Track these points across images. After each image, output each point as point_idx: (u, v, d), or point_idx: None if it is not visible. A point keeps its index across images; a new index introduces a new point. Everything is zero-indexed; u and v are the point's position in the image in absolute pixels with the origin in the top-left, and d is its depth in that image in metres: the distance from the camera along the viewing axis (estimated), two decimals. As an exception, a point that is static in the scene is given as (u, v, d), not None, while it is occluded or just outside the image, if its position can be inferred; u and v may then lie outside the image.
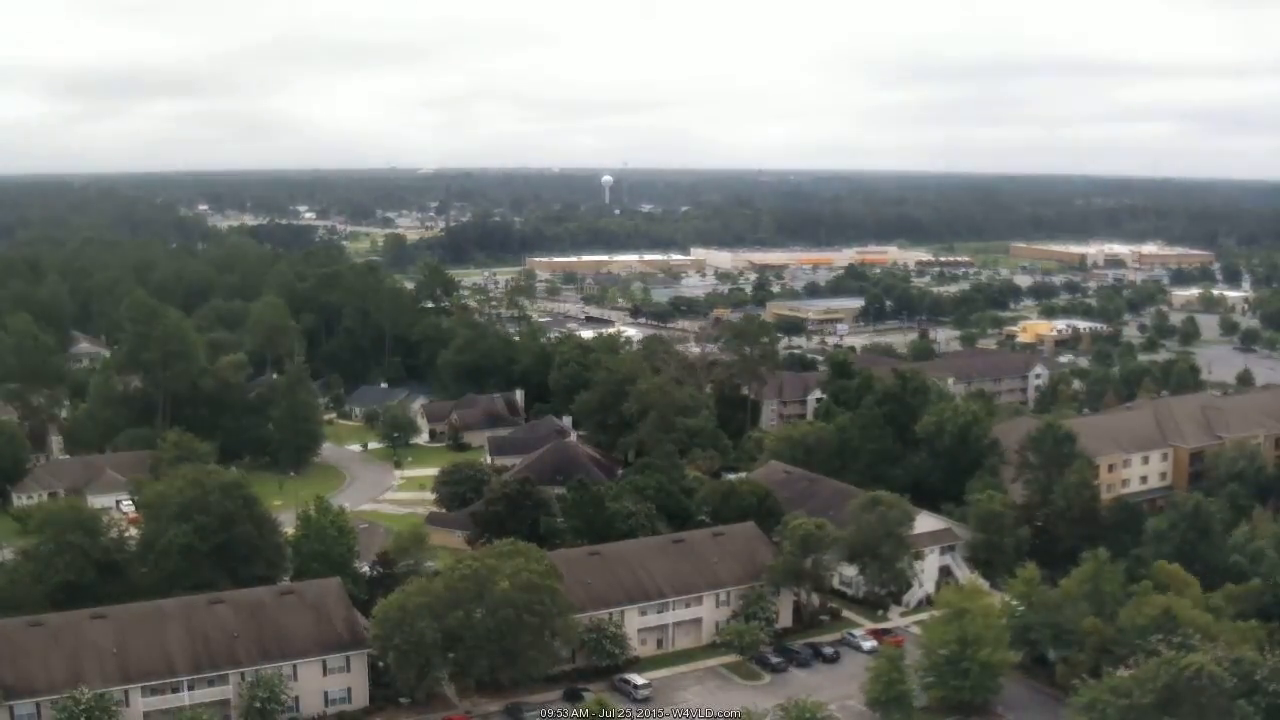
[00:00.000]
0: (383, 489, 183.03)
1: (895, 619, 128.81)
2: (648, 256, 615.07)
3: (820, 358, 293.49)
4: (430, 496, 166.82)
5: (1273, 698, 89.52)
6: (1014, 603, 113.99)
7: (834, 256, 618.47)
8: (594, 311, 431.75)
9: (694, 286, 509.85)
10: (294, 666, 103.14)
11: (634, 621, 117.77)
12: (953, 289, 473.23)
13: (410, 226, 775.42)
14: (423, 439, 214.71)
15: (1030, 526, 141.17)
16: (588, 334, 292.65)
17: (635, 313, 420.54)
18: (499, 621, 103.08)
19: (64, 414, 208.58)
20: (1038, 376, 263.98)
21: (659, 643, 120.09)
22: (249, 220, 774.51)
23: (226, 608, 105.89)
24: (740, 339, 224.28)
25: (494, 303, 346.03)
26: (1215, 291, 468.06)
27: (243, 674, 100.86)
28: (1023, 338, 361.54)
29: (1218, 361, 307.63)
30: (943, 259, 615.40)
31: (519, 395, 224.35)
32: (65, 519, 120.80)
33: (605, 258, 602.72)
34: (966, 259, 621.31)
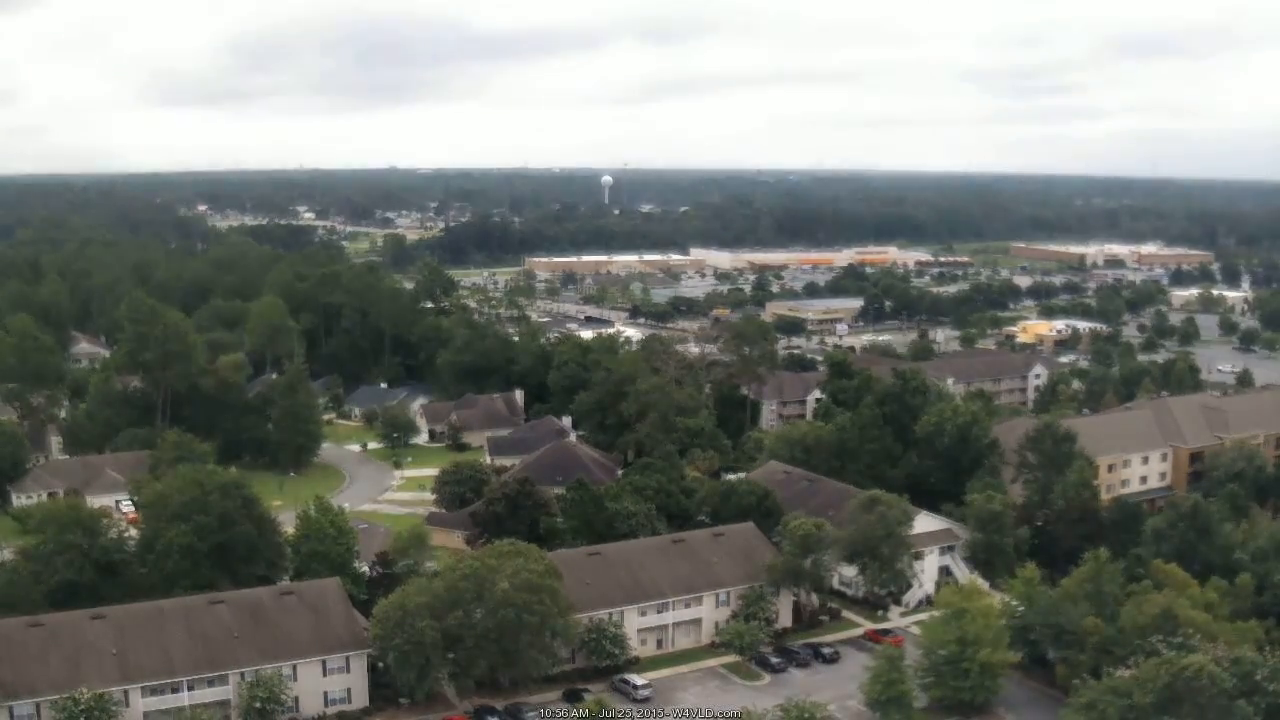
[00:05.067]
0: (382, 489, 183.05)
1: (895, 619, 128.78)
2: (647, 257, 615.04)
3: (820, 358, 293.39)
4: (430, 496, 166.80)
5: (1273, 698, 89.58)
6: (1014, 603, 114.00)
7: (833, 257, 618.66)
8: (593, 312, 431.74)
9: (693, 287, 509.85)
10: (294, 667, 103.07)
11: (634, 622, 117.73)
12: (952, 289, 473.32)
13: (410, 227, 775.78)
14: (422, 439, 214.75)
15: (1030, 526, 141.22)
16: (587, 334, 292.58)
17: (634, 313, 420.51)
18: (499, 622, 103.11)
19: (64, 414, 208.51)
20: (1037, 376, 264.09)
21: (659, 643, 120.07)
22: (249, 220, 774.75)
23: (226, 608, 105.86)
24: (740, 339, 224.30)
25: (493, 303, 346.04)
26: (1215, 291, 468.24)
27: (242, 674, 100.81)
28: (1022, 338, 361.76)
29: (1217, 361, 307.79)
30: (942, 259, 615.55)
31: (518, 395, 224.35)
32: (65, 519, 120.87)
33: (605, 258, 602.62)
34: (966, 259, 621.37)
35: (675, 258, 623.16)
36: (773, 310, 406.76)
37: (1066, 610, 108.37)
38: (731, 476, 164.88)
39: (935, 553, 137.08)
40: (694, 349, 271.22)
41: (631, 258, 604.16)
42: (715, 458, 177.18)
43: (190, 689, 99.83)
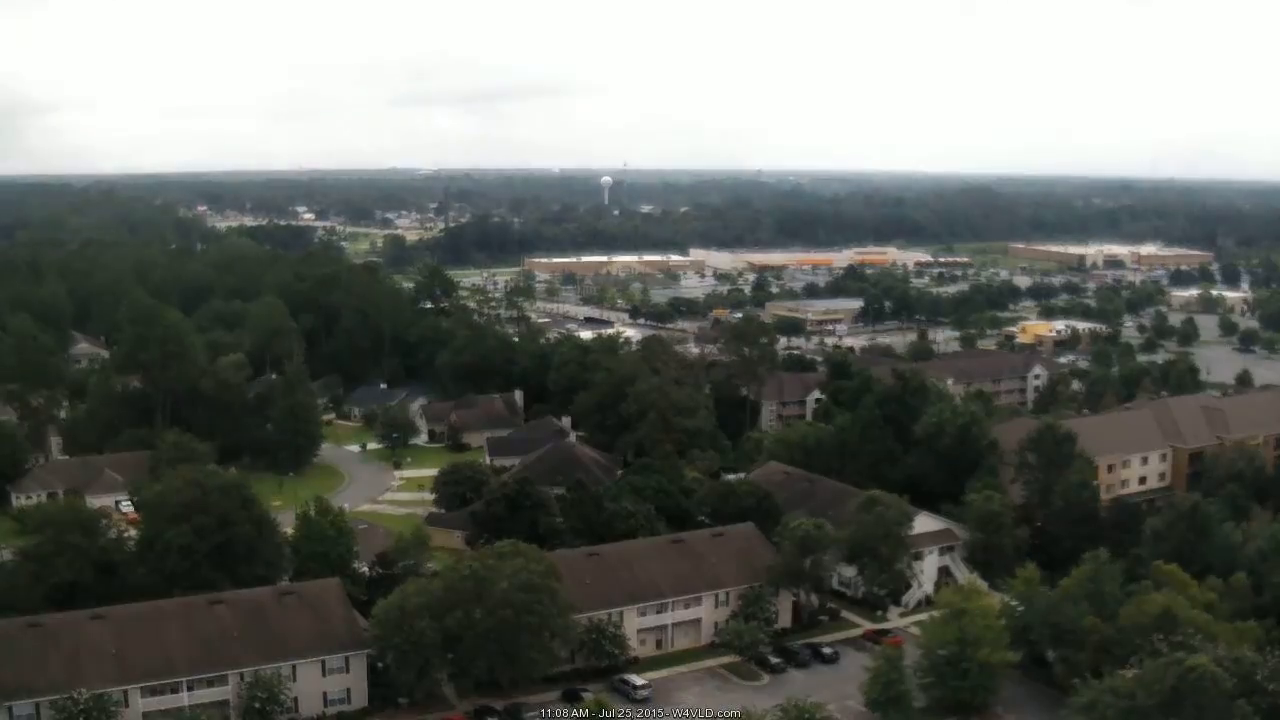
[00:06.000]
0: (382, 489, 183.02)
1: (894, 619, 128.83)
2: (647, 257, 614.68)
3: (819, 358, 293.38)
4: (430, 497, 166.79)
5: (1273, 698, 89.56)
6: (1013, 603, 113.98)
7: (833, 257, 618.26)
8: (593, 312, 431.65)
9: (693, 287, 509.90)
10: (293, 667, 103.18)
11: (633, 622, 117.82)
12: (952, 289, 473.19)
13: (409, 227, 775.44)
14: (422, 439, 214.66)
15: (1029, 527, 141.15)
16: (587, 335, 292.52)
17: (634, 313, 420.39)
18: (498, 622, 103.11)
19: (63, 414, 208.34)
20: (1037, 377, 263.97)
21: (658, 643, 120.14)
22: (248, 221, 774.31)
23: (226, 608, 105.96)
24: (739, 340, 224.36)
25: (493, 303, 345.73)
26: (1214, 292, 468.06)
27: (242, 674, 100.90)
28: (1022, 338, 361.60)
29: (1217, 362, 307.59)
30: (942, 259, 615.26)
31: (518, 396, 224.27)
32: (64, 519, 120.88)
33: (604, 258, 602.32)
34: (965, 259, 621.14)
35: (675, 258, 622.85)
36: (772, 311, 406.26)
37: (1066, 610, 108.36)
38: (731, 477, 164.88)
39: (935, 553, 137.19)
40: (694, 349, 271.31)
41: (631, 258, 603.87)
42: (715, 458, 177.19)
43: (190, 689, 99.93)
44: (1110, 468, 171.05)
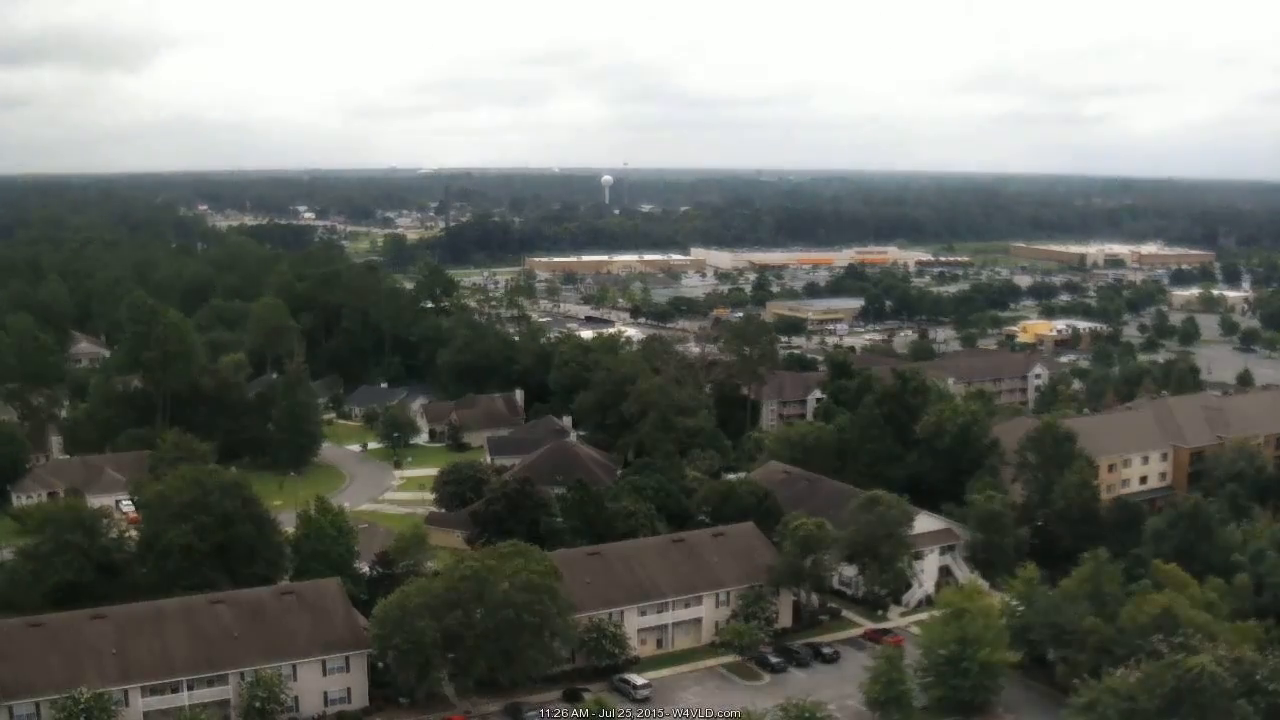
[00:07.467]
0: (382, 489, 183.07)
1: (895, 619, 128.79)
2: (647, 256, 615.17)
3: (820, 358, 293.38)
4: (430, 496, 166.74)
5: (1273, 698, 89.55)
6: (1014, 603, 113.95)
7: (833, 256, 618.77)
8: (593, 312, 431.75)
9: (694, 286, 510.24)
10: (293, 667, 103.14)
11: (634, 621, 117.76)
12: (952, 289, 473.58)
13: (410, 226, 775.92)
14: (422, 439, 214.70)
15: (1030, 526, 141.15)
16: (587, 334, 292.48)
17: (635, 313, 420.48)
18: (498, 622, 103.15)
19: (64, 414, 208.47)
20: (1037, 376, 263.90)
21: (659, 643, 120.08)
22: (249, 220, 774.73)
23: (226, 608, 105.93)
24: (740, 339, 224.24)
25: (494, 303, 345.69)
26: (1215, 291, 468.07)
27: (242, 674, 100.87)
28: (1022, 338, 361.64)
29: (1217, 361, 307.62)
30: (942, 259, 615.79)
31: (519, 395, 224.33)
32: (65, 519, 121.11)
33: (605, 258, 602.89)
34: (966, 259, 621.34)
35: (675, 258, 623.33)
36: (773, 310, 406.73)
37: (1066, 610, 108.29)
38: (731, 476, 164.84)
39: (935, 553, 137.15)
40: (694, 349, 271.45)
41: (631, 258, 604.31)
42: (715, 458, 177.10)
43: (190, 689, 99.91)
44: (1111, 467, 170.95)
